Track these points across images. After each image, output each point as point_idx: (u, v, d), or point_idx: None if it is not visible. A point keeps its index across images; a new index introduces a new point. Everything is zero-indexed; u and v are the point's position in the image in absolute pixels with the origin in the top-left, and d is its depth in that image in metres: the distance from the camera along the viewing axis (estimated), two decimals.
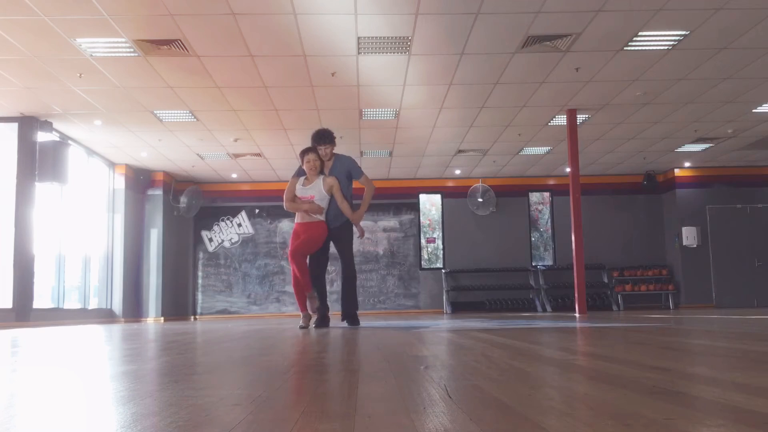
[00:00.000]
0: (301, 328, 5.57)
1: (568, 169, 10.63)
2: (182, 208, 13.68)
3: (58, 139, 9.85)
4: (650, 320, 6.16)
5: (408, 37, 6.97)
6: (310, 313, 5.75)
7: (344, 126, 10.07)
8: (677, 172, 13.92)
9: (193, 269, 14.24)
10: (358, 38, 6.96)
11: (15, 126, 9.37)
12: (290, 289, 14.38)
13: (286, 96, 8.72)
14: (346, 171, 5.97)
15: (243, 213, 14.37)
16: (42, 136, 9.51)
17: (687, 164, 13.64)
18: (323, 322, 5.90)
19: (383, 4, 6.22)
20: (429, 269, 14.33)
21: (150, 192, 13.21)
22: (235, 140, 10.93)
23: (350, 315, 6.00)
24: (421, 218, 14.46)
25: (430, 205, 14.57)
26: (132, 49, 7.08)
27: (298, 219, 5.75)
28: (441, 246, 14.44)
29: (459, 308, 13.93)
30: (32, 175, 9.36)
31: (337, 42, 7.04)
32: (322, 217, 5.70)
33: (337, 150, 6.03)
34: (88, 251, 11.41)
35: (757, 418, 1.06)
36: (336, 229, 5.91)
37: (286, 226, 14.19)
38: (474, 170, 13.78)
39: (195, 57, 7.33)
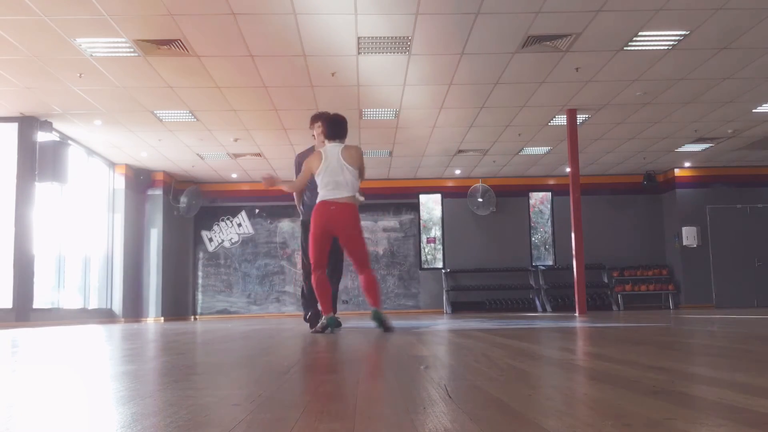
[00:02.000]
0: (316, 332, 4.70)
1: (568, 169, 10.63)
2: (182, 208, 13.67)
3: (58, 139, 9.85)
4: (650, 320, 6.16)
5: (408, 37, 6.97)
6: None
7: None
8: (677, 172, 13.92)
9: (193, 269, 14.24)
10: (358, 38, 6.96)
11: (15, 126, 9.36)
12: (290, 288, 14.45)
13: (286, 96, 8.72)
14: None
15: (243, 213, 14.38)
16: (42, 136, 9.50)
17: (687, 164, 13.64)
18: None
19: (383, 4, 6.22)
20: (429, 269, 14.33)
21: (150, 192, 13.21)
22: (235, 140, 10.93)
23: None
24: (420, 218, 14.46)
25: (431, 204, 14.57)
26: (132, 49, 7.08)
27: (325, 196, 4.69)
28: (441, 246, 14.43)
29: (459, 308, 13.93)
30: (32, 175, 9.35)
31: (337, 42, 7.04)
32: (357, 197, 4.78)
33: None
34: (88, 251, 11.41)
35: (757, 418, 1.06)
36: None
37: (286, 226, 14.19)
38: (474, 170, 13.78)
39: (195, 57, 7.33)
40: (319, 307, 5.29)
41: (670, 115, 10.03)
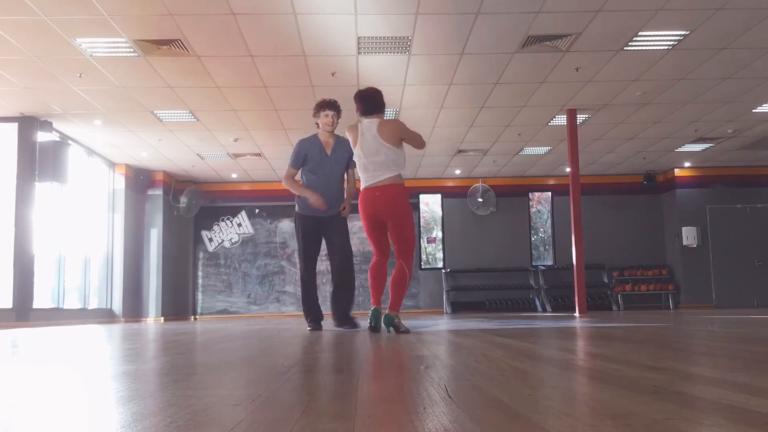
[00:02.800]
0: (372, 330, 4.42)
1: (568, 169, 10.63)
2: (182, 208, 13.68)
3: (58, 139, 9.85)
4: (650, 320, 6.16)
5: (408, 37, 6.97)
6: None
7: (345, 126, 10.04)
8: (677, 172, 13.93)
9: (193, 269, 14.24)
10: (358, 38, 6.96)
11: (15, 126, 9.37)
12: (290, 288, 14.45)
13: (286, 96, 8.72)
14: (347, 157, 5.24)
15: (243, 213, 14.38)
16: (42, 136, 9.51)
17: (687, 164, 13.64)
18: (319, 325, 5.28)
19: (383, 4, 6.22)
20: (429, 269, 14.33)
21: (150, 192, 13.21)
22: (235, 140, 10.93)
23: (347, 316, 5.34)
24: (421, 218, 14.46)
25: (431, 204, 14.56)
26: (132, 49, 7.08)
27: (367, 181, 4.37)
28: (441, 246, 14.43)
29: (459, 308, 13.93)
30: (32, 175, 9.35)
31: (337, 42, 7.04)
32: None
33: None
34: (88, 251, 11.41)
35: (757, 418, 1.06)
36: (331, 218, 5.23)
37: (286, 226, 14.18)
38: (474, 170, 13.78)
39: (195, 57, 7.33)
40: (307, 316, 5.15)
41: (670, 115, 10.03)
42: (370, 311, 4.43)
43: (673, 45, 7.29)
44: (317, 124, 5.28)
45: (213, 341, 3.83)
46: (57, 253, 10.30)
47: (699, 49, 7.44)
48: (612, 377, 1.65)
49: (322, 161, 5.20)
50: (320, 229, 5.28)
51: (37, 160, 9.37)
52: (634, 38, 7.09)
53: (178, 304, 13.75)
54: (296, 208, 5.33)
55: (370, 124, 4.38)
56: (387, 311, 4.28)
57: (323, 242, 5.36)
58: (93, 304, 11.64)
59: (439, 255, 14.43)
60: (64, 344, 3.92)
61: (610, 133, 11.07)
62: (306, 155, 5.21)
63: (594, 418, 1.09)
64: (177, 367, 2.22)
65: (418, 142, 4.43)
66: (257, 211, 14.34)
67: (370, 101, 4.47)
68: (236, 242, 14.33)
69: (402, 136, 4.35)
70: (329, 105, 5.27)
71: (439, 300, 14.06)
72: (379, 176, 4.27)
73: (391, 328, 4.27)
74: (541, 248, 14.59)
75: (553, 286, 13.92)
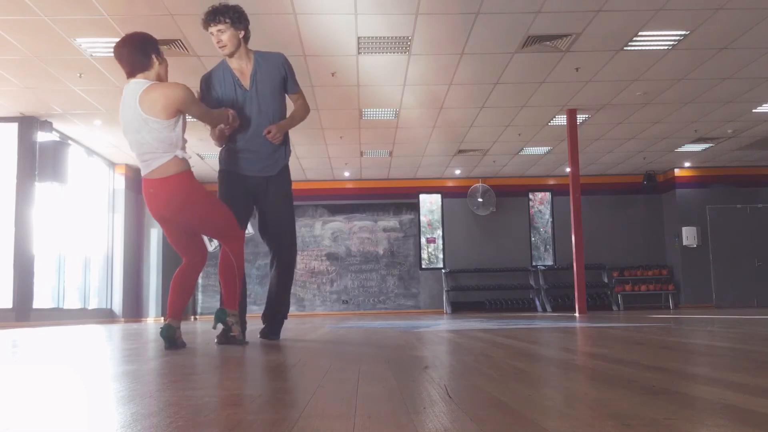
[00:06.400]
0: (169, 346, 3.18)
1: (568, 169, 10.64)
2: None
3: (58, 139, 9.85)
4: (650, 320, 6.16)
5: (408, 37, 6.97)
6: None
7: (344, 126, 10.07)
8: (677, 172, 13.93)
9: None
10: (358, 38, 6.96)
11: (15, 126, 9.37)
12: (291, 288, 14.41)
13: None
14: (279, 77, 3.84)
15: None
16: (42, 136, 9.50)
17: (687, 164, 13.64)
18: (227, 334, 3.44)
19: (383, 4, 6.22)
20: (429, 269, 14.33)
21: None
22: None
23: (278, 323, 3.92)
24: (420, 218, 14.46)
25: (431, 204, 14.56)
26: None
27: (142, 171, 3.16)
28: (441, 246, 14.43)
29: (459, 308, 13.93)
30: (32, 175, 9.35)
31: (337, 42, 7.04)
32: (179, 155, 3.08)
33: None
34: (88, 251, 11.41)
35: (757, 418, 1.06)
36: (266, 179, 3.72)
37: None
38: (474, 170, 13.78)
39: (195, 57, 7.33)
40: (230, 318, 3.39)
41: (670, 115, 10.03)
42: (162, 326, 3.23)
43: (673, 45, 7.29)
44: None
45: (212, 341, 3.83)
46: (57, 253, 10.29)
47: (699, 49, 7.44)
48: (612, 377, 1.65)
49: (240, 99, 3.62)
50: (251, 194, 3.77)
51: (37, 160, 9.36)
52: (634, 38, 7.09)
53: None
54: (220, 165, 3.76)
55: (134, 86, 3.04)
56: (220, 307, 3.39)
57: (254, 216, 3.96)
58: (93, 304, 11.64)
59: (439, 255, 14.43)
60: (64, 344, 3.92)
61: (610, 133, 11.07)
62: (215, 98, 3.58)
63: (594, 418, 1.09)
64: (177, 367, 2.22)
65: (204, 117, 3.19)
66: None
67: (127, 51, 3.06)
68: None
69: (166, 107, 2.97)
70: (210, 15, 3.57)
71: (439, 300, 14.05)
72: (150, 164, 3.04)
73: (222, 324, 3.30)
74: (541, 248, 14.59)
75: (553, 286, 13.92)
